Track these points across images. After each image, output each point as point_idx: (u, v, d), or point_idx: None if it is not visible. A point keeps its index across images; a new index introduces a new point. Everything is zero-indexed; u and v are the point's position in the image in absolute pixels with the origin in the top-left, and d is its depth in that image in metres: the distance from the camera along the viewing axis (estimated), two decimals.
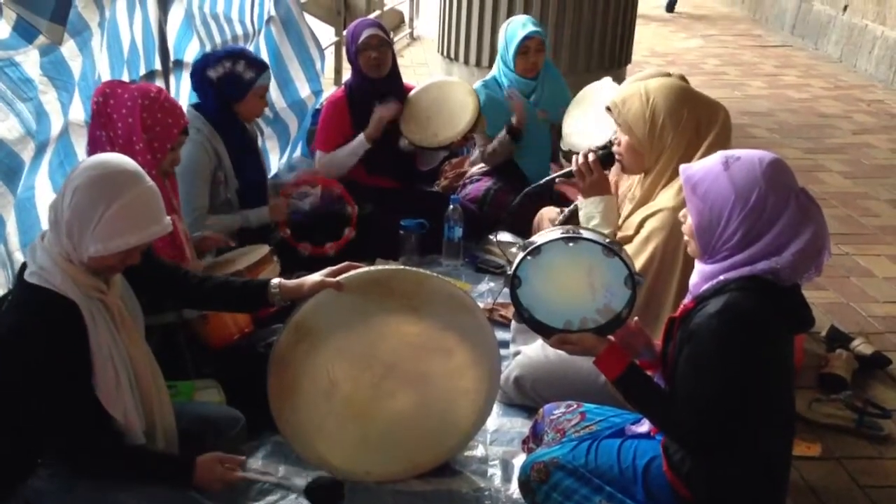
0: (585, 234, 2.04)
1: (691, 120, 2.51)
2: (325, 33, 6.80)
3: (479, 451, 2.66)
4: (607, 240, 2.03)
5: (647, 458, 2.02)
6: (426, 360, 2.40)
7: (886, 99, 7.75)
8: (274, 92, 4.59)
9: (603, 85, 4.07)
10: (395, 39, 7.67)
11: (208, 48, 3.67)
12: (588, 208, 2.69)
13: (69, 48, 2.48)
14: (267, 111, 4.38)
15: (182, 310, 2.59)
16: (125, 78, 3.01)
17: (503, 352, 2.70)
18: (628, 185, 2.78)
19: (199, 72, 3.24)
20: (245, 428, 2.35)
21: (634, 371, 1.97)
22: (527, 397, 2.84)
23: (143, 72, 3.23)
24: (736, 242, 1.83)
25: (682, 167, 1.93)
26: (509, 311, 3.14)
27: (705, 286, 1.88)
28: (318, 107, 4.79)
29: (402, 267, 2.49)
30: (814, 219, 1.82)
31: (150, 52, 3.28)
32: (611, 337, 2.02)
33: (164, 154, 2.60)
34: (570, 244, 2.00)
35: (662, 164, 2.53)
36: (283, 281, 2.30)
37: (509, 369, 2.87)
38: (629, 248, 2.49)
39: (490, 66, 4.48)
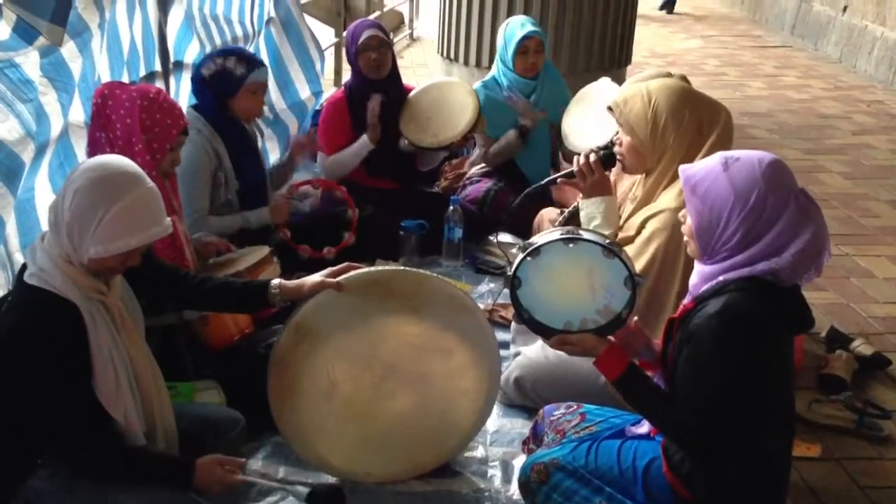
0: (585, 234, 2.04)
1: (693, 120, 2.51)
2: (325, 34, 6.81)
3: (479, 452, 2.66)
4: (607, 241, 2.03)
5: (647, 459, 2.02)
6: (426, 361, 2.40)
7: (886, 99, 7.75)
8: (274, 93, 4.59)
9: (602, 85, 4.07)
10: (395, 40, 7.67)
11: (208, 49, 3.67)
12: (589, 209, 2.69)
13: (69, 49, 2.48)
14: (267, 112, 4.39)
15: (182, 311, 2.59)
16: (125, 79, 3.01)
17: (503, 353, 2.71)
18: (628, 185, 2.79)
19: (197, 72, 3.25)
20: (245, 429, 2.35)
21: (634, 372, 1.97)
22: (527, 398, 2.84)
23: (143, 73, 3.23)
24: (735, 243, 1.83)
25: (681, 168, 1.93)
26: (509, 312, 3.14)
27: (705, 287, 1.88)
28: (317, 108, 4.79)
29: (402, 268, 2.48)
30: (813, 219, 1.82)
31: (150, 53, 3.29)
32: (611, 338, 2.03)
33: (164, 155, 2.60)
34: (570, 245, 2.00)
35: (664, 165, 2.53)
36: (283, 282, 2.30)
37: (509, 370, 2.87)
38: (631, 249, 2.50)
39: (490, 66, 4.47)
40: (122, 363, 1.98)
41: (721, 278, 1.84)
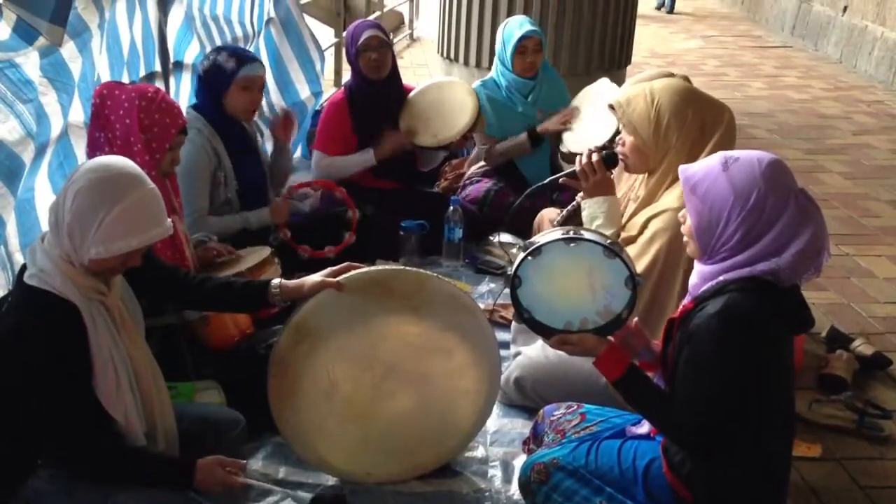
0: (586, 234, 2.03)
1: (696, 120, 2.51)
2: (325, 35, 6.81)
3: (479, 452, 2.66)
4: (608, 241, 2.03)
5: (648, 459, 2.02)
6: (426, 361, 2.40)
7: (886, 100, 7.76)
8: (274, 93, 4.59)
9: (601, 86, 4.07)
10: (395, 41, 7.68)
11: (208, 50, 3.67)
12: (592, 208, 2.69)
13: (69, 50, 2.48)
14: (267, 112, 4.39)
15: (183, 311, 2.59)
16: (125, 79, 3.01)
17: (503, 353, 2.70)
18: (628, 185, 2.79)
19: (196, 71, 3.25)
20: (245, 429, 2.35)
21: (634, 372, 1.96)
22: (527, 398, 2.84)
23: (142, 73, 3.24)
24: (735, 243, 1.83)
25: (680, 167, 1.93)
26: (510, 312, 3.14)
27: (705, 287, 1.88)
28: (318, 108, 4.79)
29: (402, 267, 2.48)
30: (813, 219, 1.82)
31: (149, 53, 3.29)
32: (611, 338, 2.02)
33: (163, 154, 2.60)
34: (571, 245, 2.00)
35: (667, 165, 2.53)
36: (283, 281, 2.30)
37: (510, 370, 2.87)
38: (633, 249, 2.50)
39: (490, 66, 4.48)
40: (122, 363, 1.98)
41: (721, 278, 1.84)
